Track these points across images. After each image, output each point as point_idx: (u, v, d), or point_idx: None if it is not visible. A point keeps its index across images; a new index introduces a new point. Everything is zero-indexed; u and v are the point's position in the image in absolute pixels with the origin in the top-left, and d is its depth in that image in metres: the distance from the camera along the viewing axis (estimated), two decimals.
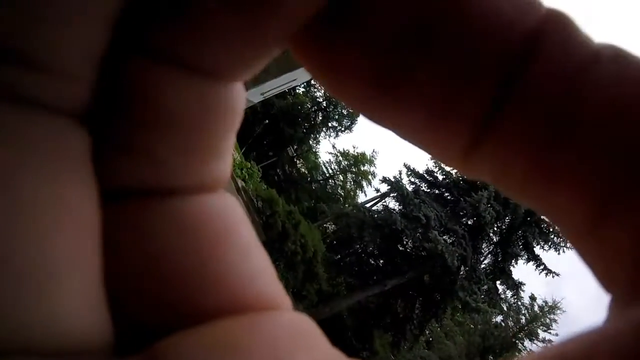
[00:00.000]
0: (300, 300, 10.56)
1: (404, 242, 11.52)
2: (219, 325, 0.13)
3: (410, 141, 0.14)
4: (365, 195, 16.35)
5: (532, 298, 11.98)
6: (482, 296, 11.24)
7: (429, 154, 0.15)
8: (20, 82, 0.11)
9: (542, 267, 11.02)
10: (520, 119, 0.13)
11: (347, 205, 14.01)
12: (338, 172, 16.50)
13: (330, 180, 16.58)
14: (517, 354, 12.66)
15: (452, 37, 0.12)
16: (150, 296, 0.13)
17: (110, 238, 0.13)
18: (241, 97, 0.15)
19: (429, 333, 12.48)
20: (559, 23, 0.13)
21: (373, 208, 12.79)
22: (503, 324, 12.19)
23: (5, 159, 0.11)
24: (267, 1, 0.12)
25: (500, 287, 11.65)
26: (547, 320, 12.18)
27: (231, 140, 0.15)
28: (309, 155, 16.81)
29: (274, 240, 9.70)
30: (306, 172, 16.53)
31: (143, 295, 0.13)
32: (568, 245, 10.72)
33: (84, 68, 0.12)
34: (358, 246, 12.25)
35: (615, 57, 0.13)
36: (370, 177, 16.21)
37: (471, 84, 0.13)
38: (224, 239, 0.14)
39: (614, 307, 0.13)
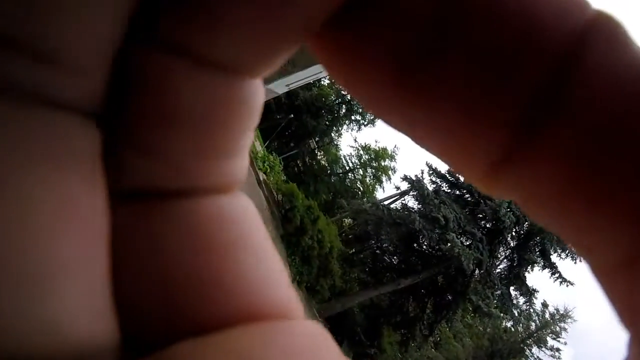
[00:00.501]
0: (313, 295, 10.67)
1: (421, 242, 11.54)
2: (232, 334, 0.13)
3: (431, 149, 0.13)
4: (384, 191, 16.37)
5: (544, 305, 11.94)
6: (495, 301, 11.22)
7: (451, 164, 0.13)
8: (28, 77, 0.11)
9: (557, 275, 10.95)
10: (564, 134, 0.11)
11: (365, 201, 14.03)
12: (358, 166, 16.51)
13: (349, 174, 16.60)
14: (524, 359, 12.67)
15: (489, 31, 0.11)
16: (160, 300, 0.13)
17: (120, 240, 0.13)
18: (259, 94, 0.14)
19: (437, 334, 12.52)
20: (609, 28, 0.12)
21: (392, 206, 12.80)
22: (512, 329, 12.18)
23: (10, 158, 0.11)
24: None
25: (513, 293, 11.62)
26: (557, 328, 12.13)
27: (248, 139, 0.15)
28: (330, 148, 16.84)
29: (292, 234, 9.80)
30: (326, 164, 16.56)
31: (153, 299, 0.13)
32: None
33: (96, 62, 0.12)
34: (374, 243, 12.30)
35: None
36: (390, 172, 16.19)
37: (506, 85, 0.11)
38: (238, 243, 0.14)
39: (633, 346, 0.12)
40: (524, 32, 0.11)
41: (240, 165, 0.15)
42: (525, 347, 12.22)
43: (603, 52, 0.11)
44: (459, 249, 10.22)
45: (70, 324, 0.11)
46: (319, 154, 16.66)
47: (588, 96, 0.11)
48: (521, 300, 11.61)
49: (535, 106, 0.12)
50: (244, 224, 0.15)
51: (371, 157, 16.38)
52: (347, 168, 16.61)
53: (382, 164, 16.18)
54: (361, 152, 16.46)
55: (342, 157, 16.85)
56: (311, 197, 12.77)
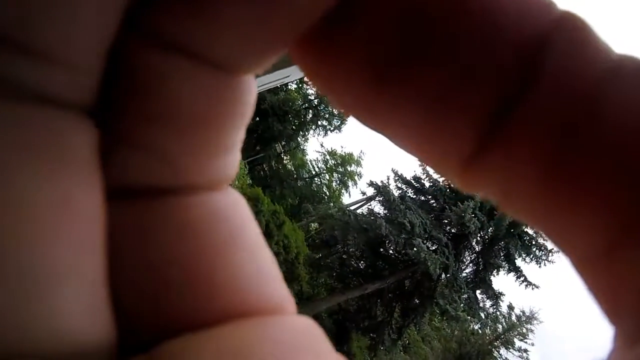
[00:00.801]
0: None
1: (387, 247, 11.54)
2: (226, 329, 0.13)
3: (407, 148, 0.14)
4: (350, 196, 16.36)
5: (511, 307, 12.11)
6: (462, 305, 11.30)
7: (427, 162, 0.14)
8: (23, 74, 0.11)
9: (522, 278, 11.11)
10: (530, 130, 0.12)
11: (332, 206, 13.98)
12: (324, 171, 16.46)
13: (316, 179, 16.54)
14: None
15: (454, 35, 0.12)
16: (155, 297, 0.13)
17: (115, 237, 0.13)
18: (252, 91, 0.14)
19: (405, 337, 12.54)
20: (573, 28, 0.12)
21: (358, 211, 12.77)
22: (480, 332, 12.32)
23: (6, 155, 0.10)
24: None
25: (480, 296, 11.74)
26: (524, 330, 12.33)
27: (240, 135, 0.15)
28: (297, 153, 16.73)
29: None
30: (293, 169, 16.44)
31: (148, 297, 0.13)
32: (549, 258, 10.97)
33: (91, 59, 0.11)
34: (341, 248, 12.23)
35: (638, 69, 0.12)
36: (356, 177, 16.19)
37: (474, 86, 0.12)
38: (231, 240, 0.14)
39: (618, 340, 0.12)
40: (489, 31, 0.12)
41: (233, 161, 0.15)
42: (493, 349, 12.37)
43: (566, 51, 0.12)
44: (426, 254, 10.24)
45: (67, 323, 0.11)
46: (285, 158, 16.53)
47: (552, 93, 0.12)
48: (488, 303, 11.74)
49: (502, 102, 0.12)
50: (237, 220, 0.15)
51: (337, 162, 16.38)
52: (314, 173, 16.54)
53: (348, 169, 16.20)
54: (327, 157, 16.45)
55: (308, 161, 16.77)
56: (277, 201, 12.62)
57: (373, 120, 0.14)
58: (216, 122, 0.14)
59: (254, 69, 0.14)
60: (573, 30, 0.12)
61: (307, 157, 16.88)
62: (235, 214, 0.15)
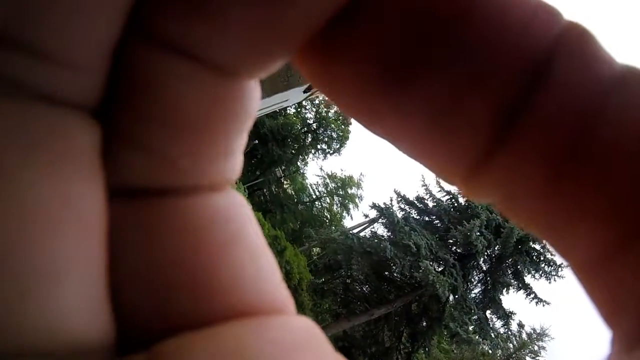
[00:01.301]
0: None
1: (392, 270, 11.29)
2: (226, 329, 0.13)
3: (412, 154, 0.14)
4: (352, 219, 16.16)
5: (521, 325, 11.81)
6: (472, 326, 11.01)
7: (431, 168, 0.14)
8: (27, 74, 0.11)
9: (532, 295, 10.86)
10: (534, 138, 0.12)
11: (334, 230, 13.76)
12: (325, 195, 16.29)
13: (316, 202, 16.36)
14: None
15: (460, 42, 0.12)
16: (155, 296, 0.13)
17: (117, 237, 0.13)
18: (255, 95, 0.14)
19: None
20: (578, 38, 0.12)
21: (361, 234, 12.56)
22: (491, 352, 11.99)
23: (9, 154, 0.10)
24: None
25: (490, 317, 11.45)
26: (536, 348, 12.02)
27: (243, 139, 0.15)
28: (296, 177, 16.59)
29: None
30: (293, 193, 16.28)
31: (148, 296, 0.13)
32: (559, 274, 10.72)
33: (94, 59, 0.12)
34: (344, 272, 11.98)
35: None
36: (357, 200, 16.02)
37: (480, 93, 0.12)
38: (232, 240, 0.14)
39: (616, 345, 0.12)
40: (495, 39, 0.12)
41: (236, 164, 0.15)
42: None
43: (572, 61, 0.12)
44: (434, 276, 10.01)
45: (66, 321, 0.11)
46: (285, 182, 16.38)
47: (557, 102, 0.12)
48: (498, 323, 11.45)
49: (508, 110, 0.12)
50: (238, 221, 0.15)
51: (338, 185, 16.24)
52: (314, 196, 16.38)
53: (349, 191, 16.03)
54: (327, 180, 16.32)
55: (308, 185, 16.63)
56: (278, 226, 12.44)
57: (378, 126, 0.14)
58: (218, 125, 0.14)
59: (257, 73, 0.14)
60: (578, 40, 0.12)
61: (307, 181, 16.75)
62: (236, 215, 0.15)
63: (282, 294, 0.15)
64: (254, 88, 0.14)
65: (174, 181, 0.14)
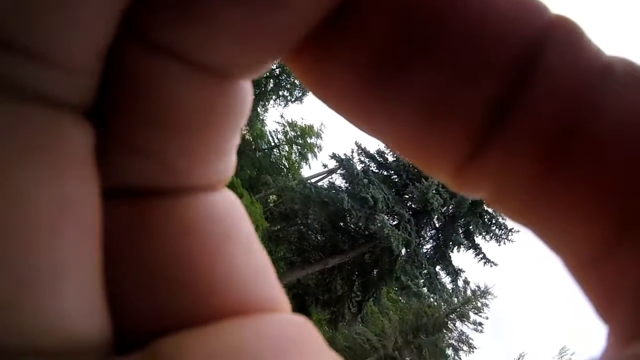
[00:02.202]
0: None
1: (348, 222, 11.45)
2: (222, 326, 0.13)
3: (401, 150, 0.14)
4: (310, 168, 16.14)
5: (466, 282, 12.34)
6: (422, 280, 11.42)
7: (420, 164, 0.14)
8: (21, 75, 0.11)
9: (481, 255, 11.31)
10: (524, 132, 0.12)
11: (292, 178, 13.73)
12: (284, 143, 16.11)
13: (275, 150, 16.18)
14: (448, 333, 13.17)
15: (449, 38, 0.12)
16: (152, 295, 0.13)
17: (113, 236, 0.13)
18: (248, 95, 0.14)
19: (365, 310, 12.64)
20: (566, 31, 0.12)
21: (319, 184, 12.59)
22: (436, 304, 12.54)
23: (4, 154, 0.10)
24: None
25: (440, 272, 11.89)
26: (479, 304, 12.65)
27: (236, 139, 0.15)
28: (256, 123, 16.27)
29: None
30: (251, 139, 16.00)
31: (145, 294, 0.13)
32: (509, 238, 11.18)
33: (88, 60, 0.11)
34: (300, 222, 12.06)
35: (629, 71, 0.12)
36: (316, 150, 15.94)
37: (469, 88, 0.12)
38: (228, 239, 0.14)
39: (611, 340, 0.12)
40: (483, 34, 0.12)
41: (229, 163, 0.15)
42: (449, 322, 12.65)
43: (560, 53, 0.12)
44: (389, 230, 10.23)
45: (63, 319, 0.11)
46: (243, 128, 16.05)
47: (546, 95, 0.12)
48: (447, 279, 11.93)
49: (496, 104, 0.12)
50: (233, 219, 0.15)
51: (297, 134, 16.04)
52: (273, 144, 16.16)
53: (308, 141, 15.90)
54: (287, 128, 16.06)
55: (267, 132, 16.34)
56: (235, 173, 12.26)
57: (368, 124, 0.14)
58: (211, 126, 0.14)
59: (250, 74, 0.14)
60: (566, 32, 0.12)
61: (267, 127, 16.45)
62: (230, 214, 0.15)
63: (277, 292, 0.15)
64: (247, 88, 0.14)
65: (168, 182, 0.14)
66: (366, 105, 0.13)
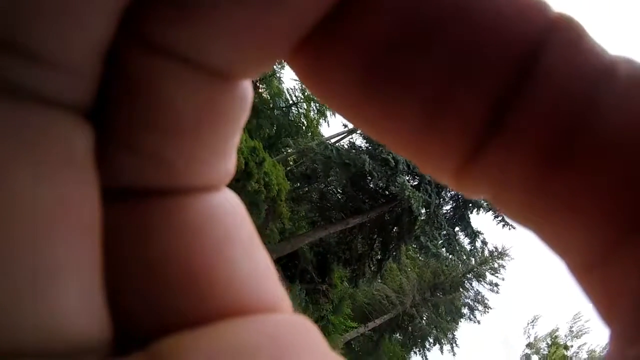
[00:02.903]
0: (263, 238, 10.54)
1: (369, 182, 11.61)
2: (223, 326, 0.13)
3: (401, 150, 0.14)
4: (329, 126, 16.13)
5: (484, 243, 12.59)
6: (441, 241, 11.66)
7: (420, 164, 0.14)
8: (19, 74, 0.11)
9: (500, 217, 11.48)
10: (525, 131, 0.12)
11: (312, 138, 13.80)
12: (302, 100, 16.06)
13: (293, 108, 16.16)
14: (464, 292, 13.54)
15: (448, 38, 0.12)
16: (153, 296, 0.13)
17: (113, 237, 0.13)
18: (248, 95, 0.14)
19: (385, 268, 13.00)
20: (568, 30, 0.12)
21: (338, 144, 12.67)
22: (454, 263, 12.86)
23: (4, 155, 0.11)
24: None
25: (457, 233, 12.11)
26: (496, 265, 12.94)
27: (237, 139, 0.15)
28: (272, 81, 16.20)
29: (237, 179, 9.49)
30: (269, 97, 15.97)
31: (146, 295, 0.13)
32: None
33: (87, 61, 0.12)
34: (322, 184, 12.24)
35: (633, 71, 0.12)
36: None
37: (468, 88, 0.12)
38: (228, 239, 0.14)
39: (614, 342, 0.12)
40: (484, 33, 0.12)
41: (230, 164, 0.15)
42: (465, 281, 12.99)
43: (562, 53, 0.12)
44: (409, 192, 10.38)
45: (63, 320, 0.11)
46: (261, 86, 16.00)
47: (548, 94, 0.12)
48: (465, 240, 12.16)
49: (498, 104, 0.12)
50: (233, 220, 0.15)
51: None
52: (291, 102, 16.13)
53: None
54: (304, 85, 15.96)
55: (285, 90, 16.28)
56: (254, 132, 12.35)
57: (368, 124, 0.14)
58: (212, 127, 0.14)
59: (250, 75, 0.14)
60: (568, 31, 0.12)
61: (284, 85, 16.38)
62: (232, 214, 0.15)
63: (278, 291, 0.15)
64: (247, 88, 0.14)
65: (168, 182, 0.14)
66: (365, 105, 0.13)
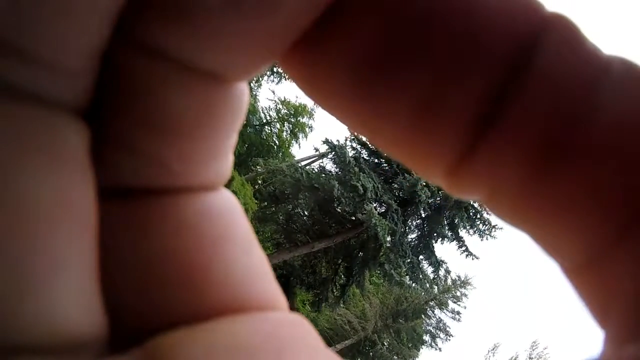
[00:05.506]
0: None
1: (336, 208, 11.63)
2: (221, 324, 0.13)
3: (393, 152, 0.14)
4: (300, 147, 16.18)
5: (447, 271, 12.70)
6: (405, 269, 11.72)
7: (412, 166, 0.14)
8: (16, 75, 0.11)
9: (464, 248, 11.62)
10: (518, 133, 0.12)
11: (282, 158, 13.80)
12: (276, 120, 16.09)
13: (266, 127, 16.16)
14: (426, 320, 13.61)
15: (439, 38, 0.12)
16: (150, 294, 0.13)
17: (110, 235, 0.13)
18: (244, 97, 0.14)
19: (348, 294, 12.98)
20: (562, 29, 0.12)
21: (308, 167, 12.70)
22: (416, 292, 12.92)
23: (3, 153, 0.11)
24: (267, 1, 0.12)
25: (422, 262, 12.19)
26: (459, 294, 13.07)
27: (233, 139, 0.15)
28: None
29: None
30: None
31: (143, 293, 0.13)
32: (492, 234, 11.49)
33: (84, 62, 0.12)
34: (290, 205, 12.21)
35: (627, 70, 0.12)
36: (307, 130, 15.97)
37: (460, 88, 0.12)
38: (225, 238, 0.14)
39: (607, 343, 0.12)
40: (475, 33, 0.12)
41: (226, 164, 0.15)
42: (428, 309, 13.06)
43: (556, 51, 0.12)
44: (376, 219, 10.43)
45: (63, 317, 0.11)
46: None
47: (541, 94, 0.12)
48: (429, 269, 12.25)
49: (489, 104, 0.12)
50: (230, 219, 0.15)
51: (290, 112, 16.01)
52: (265, 121, 16.13)
53: (300, 120, 15.90)
54: (280, 105, 16.02)
55: (259, 108, 16.28)
56: None
57: (359, 125, 0.14)
58: (207, 129, 0.14)
59: (245, 77, 0.14)
60: (562, 30, 0.12)
61: (259, 104, 16.37)
62: (227, 214, 0.15)
63: (274, 290, 0.15)
64: (242, 90, 0.14)
65: (164, 182, 0.14)
66: (357, 106, 0.13)
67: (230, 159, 0.15)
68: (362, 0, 0.12)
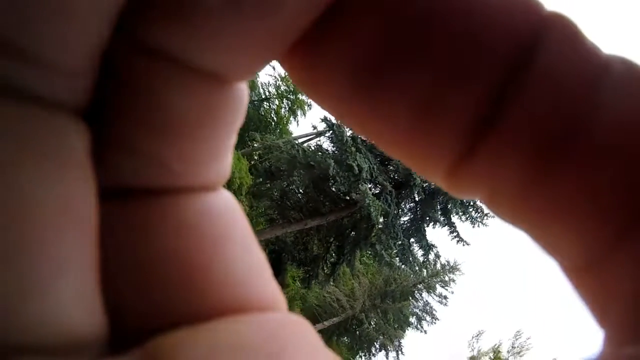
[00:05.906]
0: None
1: (331, 186, 11.67)
2: (219, 324, 0.13)
3: (393, 152, 0.14)
4: (298, 125, 16.16)
5: (437, 256, 12.84)
6: (395, 251, 11.83)
7: (413, 166, 0.14)
8: (16, 75, 0.11)
9: (455, 234, 11.72)
10: (517, 133, 0.12)
11: (279, 135, 13.78)
12: (275, 96, 16.02)
13: (265, 103, 16.11)
14: (413, 302, 13.79)
15: (439, 38, 0.12)
16: (150, 294, 0.13)
17: (110, 235, 0.13)
18: (244, 97, 0.14)
19: (338, 272, 13.10)
20: (562, 28, 0.12)
21: (306, 144, 12.71)
22: (405, 274, 13.07)
23: (5, 154, 0.11)
24: (267, 1, 0.12)
25: (412, 244, 12.30)
26: (447, 278, 13.22)
27: (232, 140, 0.15)
28: None
29: None
30: None
31: (143, 293, 0.13)
32: (484, 222, 11.58)
33: (84, 62, 0.12)
34: (285, 181, 12.25)
35: (627, 71, 0.12)
36: (306, 107, 15.93)
37: (460, 88, 0.12)
38: (225, 237, 0.14)
39: (607, 343, 0.12)
40: (474, 35, 0.12)
41: (225, 164, 0.15)
42: (415, 291, 13.22)
43: (556, 51, 0.12)
44: (370, 200, 10.49)
45: (64, 318, 0.11)
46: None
47: (542, 94, 0.12)
48: (419, 252, 12.36)
49: (490, 104, 0.12)
50: (230, 219, 0.15)
51: (289, 89, 15.93)
52: (263, 97, 16.06)
53: (299, 97, 15.84)
54: (279, 82, 15.93)
55: (259, 84, 16.20)
56: None
57: (359, 124, 0.14)
58: (207, 129, 0.14)
59: (245, 77, 0.14)
60: (562, 30, 0.12)
61: (258, 79, 16.29)
62: (228, 213, 0.15)
63: (274, 290, 0.15)
64: (242, 90, 0.14)
65: (164, 182, 0.14)
66: (357, 106, 0.13)
67: (229, 159, 0.15)
68: (362, 0, 0.12)
